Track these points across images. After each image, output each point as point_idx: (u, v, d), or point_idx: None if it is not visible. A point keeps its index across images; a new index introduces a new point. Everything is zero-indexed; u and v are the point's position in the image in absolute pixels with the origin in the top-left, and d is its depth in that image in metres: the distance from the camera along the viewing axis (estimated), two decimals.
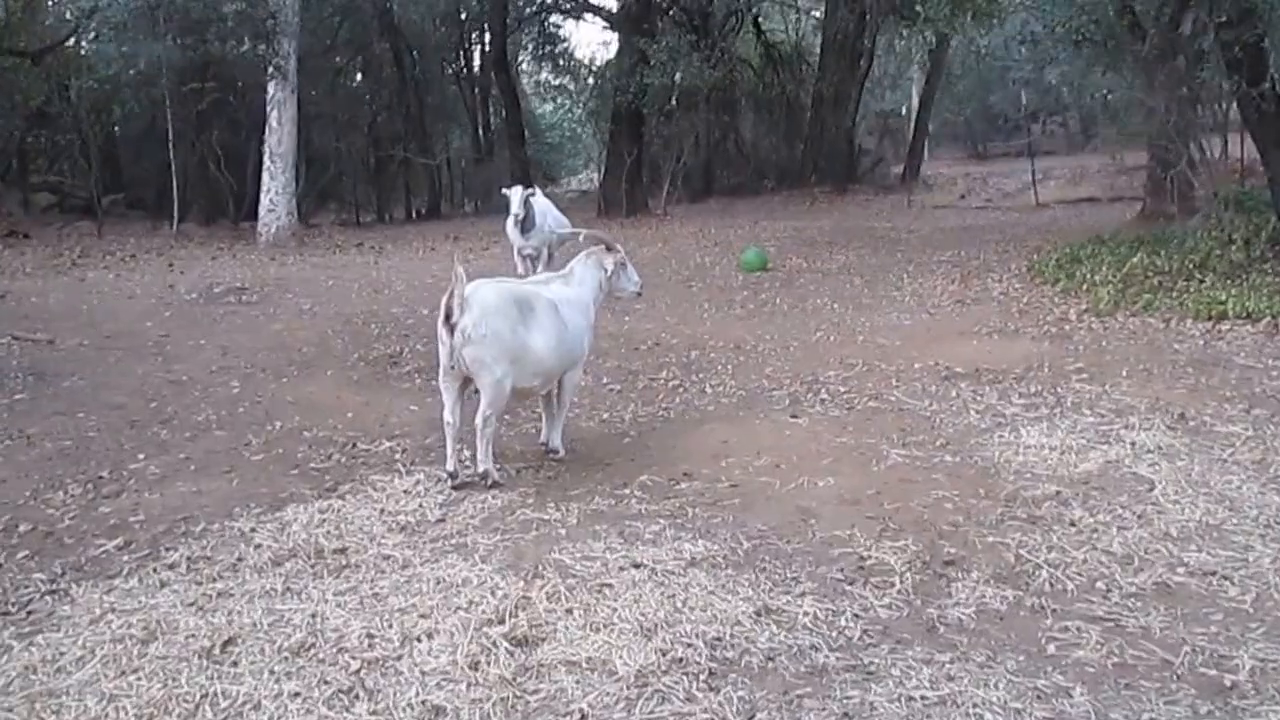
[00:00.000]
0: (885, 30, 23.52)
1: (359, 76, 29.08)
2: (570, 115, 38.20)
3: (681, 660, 3.73)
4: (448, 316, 5.49)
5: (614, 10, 19.89)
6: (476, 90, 30.13)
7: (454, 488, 5.67)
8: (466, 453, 5.90)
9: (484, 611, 4.08)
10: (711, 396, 7.58)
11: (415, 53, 27.61)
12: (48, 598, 4.41)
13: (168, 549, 4.87)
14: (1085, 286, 10.20)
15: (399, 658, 3.78)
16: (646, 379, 7.97)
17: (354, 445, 6.53)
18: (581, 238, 6.78)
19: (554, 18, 29.70)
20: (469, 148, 31.46)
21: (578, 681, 3.61)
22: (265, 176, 15.88)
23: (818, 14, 25.57)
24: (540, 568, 4.51)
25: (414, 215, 28.48)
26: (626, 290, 6.56)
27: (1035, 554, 4.66)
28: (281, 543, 4.94)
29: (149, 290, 11.77)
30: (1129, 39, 13.28)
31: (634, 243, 16.04)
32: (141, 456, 6.27)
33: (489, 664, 3.71)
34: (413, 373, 8.43)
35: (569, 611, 4.11)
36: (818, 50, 26.94)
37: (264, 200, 16.02)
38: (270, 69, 15.47)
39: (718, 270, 13.43)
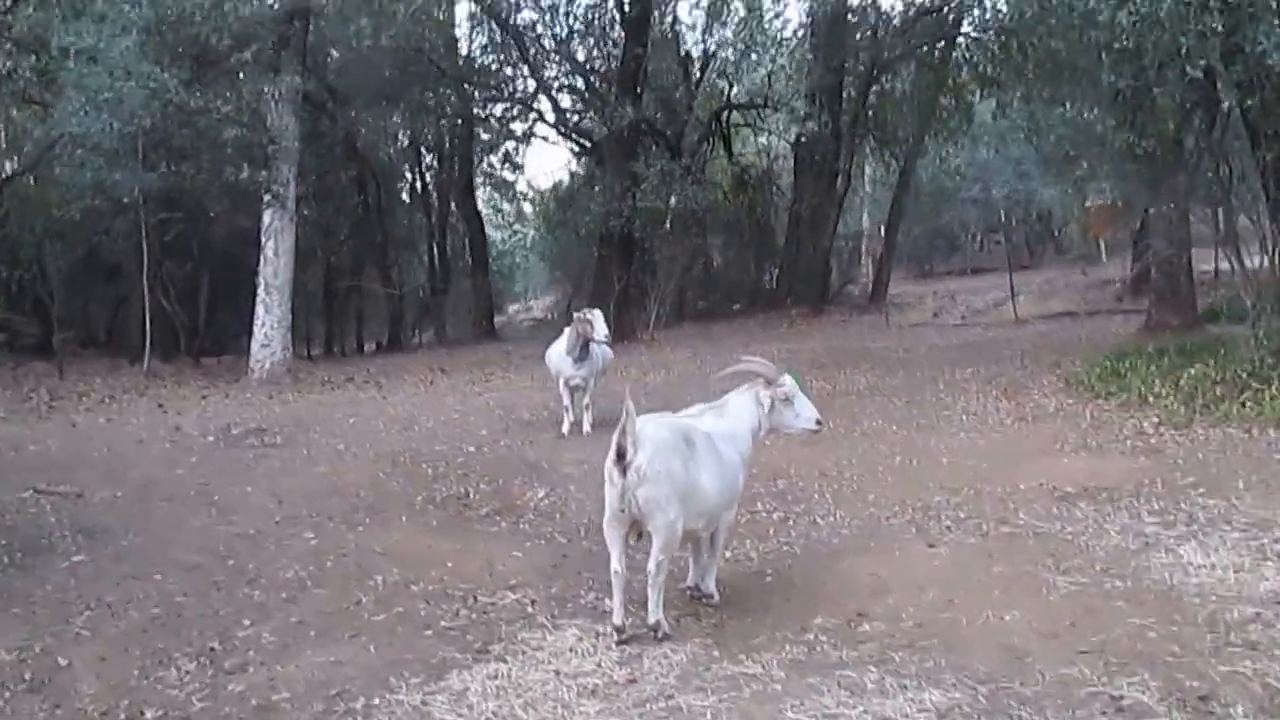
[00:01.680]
0: (859, 151, 23.99)
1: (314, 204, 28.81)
2: (521, 242, 38.36)
3: None
4: (620, 455, 5.09)
5: (596, 135, 19.72)
6: (434, 218, 29.95)
7: (620, 643, 5.21)
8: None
9: None
10: (828, 528, 7.23)
11: (379, 179, 27.42)
12: None
13: None
14: (1144, 399, 10.06)
15: None
16: (746, 512, 7.57)
17: (474, 599, 6.06)
18: (738, 367, 6.31)
19: (510, 144, 29.81)
20: (424, 277, 31.20)
21: None
22: (260, 309, 15.35)
23: (789, 138, 25.90)
24: None
25: (361, 348, 28.00)
26: (794, 427, 6.07)
27: None
28: (470, 717, 4.44)
29: (154, 434, 11.17)
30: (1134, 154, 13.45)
31: (636, 369, 15.81)
32: (247, 622, 5.72)
33: None
34: (492, 515, 7.99)
35: None
36: (788, 172, 27.30)
37: (258, 334, 15.46)
38: (268, 196, 15.06)
39: None
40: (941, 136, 25.50)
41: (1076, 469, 8.17)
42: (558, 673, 4.91)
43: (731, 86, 26.18)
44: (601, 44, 23.86)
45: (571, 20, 23.36)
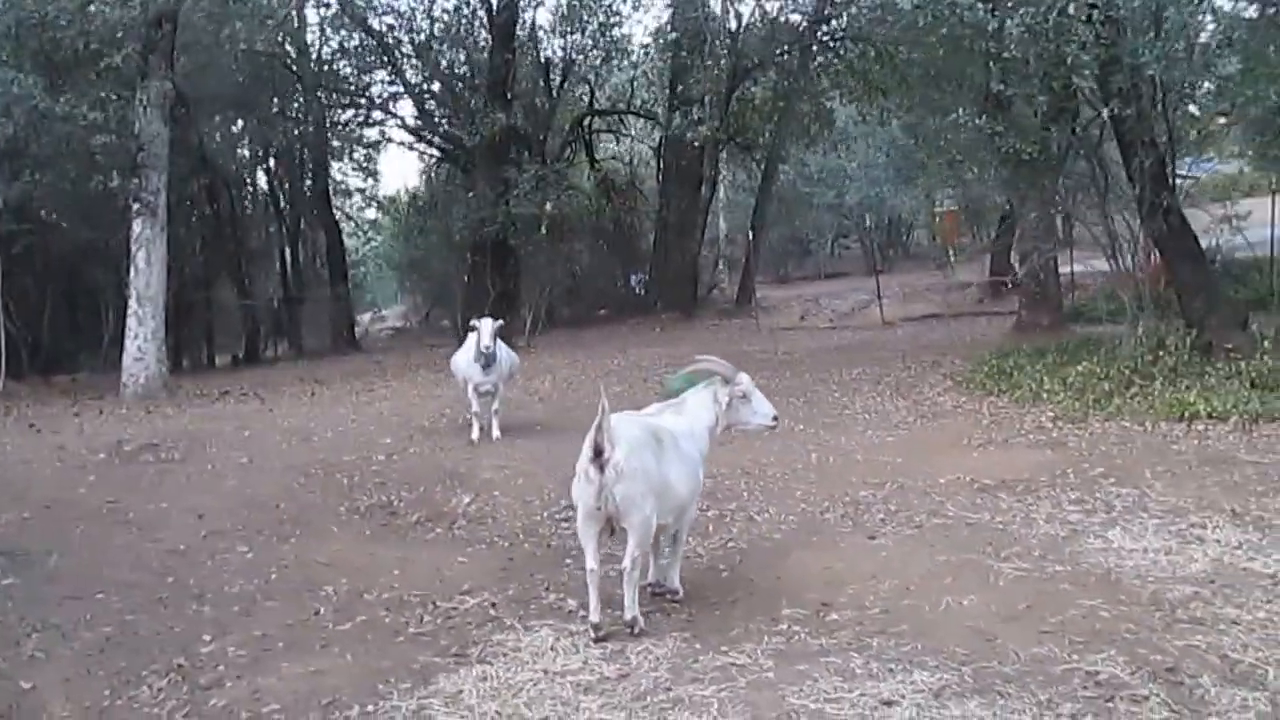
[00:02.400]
0: (723, 157, 24.45)
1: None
2: (375, 251, 37.87)
3: None
4: (598, 453, 5.17)
5: (468, 141, 19.59)
6: (287, 227, 29.31)
7: (598, 640, 5.29)
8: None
9: None
10: (767, 524, 7.43)
11: (230, 188, 26.73)
12: None
13: None
14: (1037, 395, 10.58)
15: None
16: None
17: (433, 604, 6.07)
18: (696, 366, 6.45)
19: (364, 151, 29.41)
20: (279, 288, 30.51)
21: None
22: (132, 322, 14.78)
23: (651, 143, 26.22)
24: (806, 716, 4.23)
25: (212, 361, 27.22)
26: (750, 424, 6.21)
27: (1238, 654, 4.70)
28: (472, 718, 4.48)
29: (38, 454, 10.70)
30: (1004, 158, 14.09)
31: (522, 376, 15.78)
32: (207, 638, 5.61)
33: None
34: (423, 522, 7.97)
35: None
36: (650, 178, 27.60)
37: (130, 348, 14.87)
38: (138, 205, 14.53)
39: (646, 400, 13.25)
40: (803, 143, 26.21)
41: (989, 462, 8.55)
42: (545, 672, 4.96)
43: (593, 93, 26.35)
44: (463, 49, 23.72)
45: (432, 24, 23.16)
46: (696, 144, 23.49)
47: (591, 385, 14.42)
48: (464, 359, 10.73)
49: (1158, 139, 10.96)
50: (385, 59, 22.90)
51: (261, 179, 29.02)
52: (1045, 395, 10.50)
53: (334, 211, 29.16)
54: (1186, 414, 9.23)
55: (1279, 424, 8.89)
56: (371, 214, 35.87)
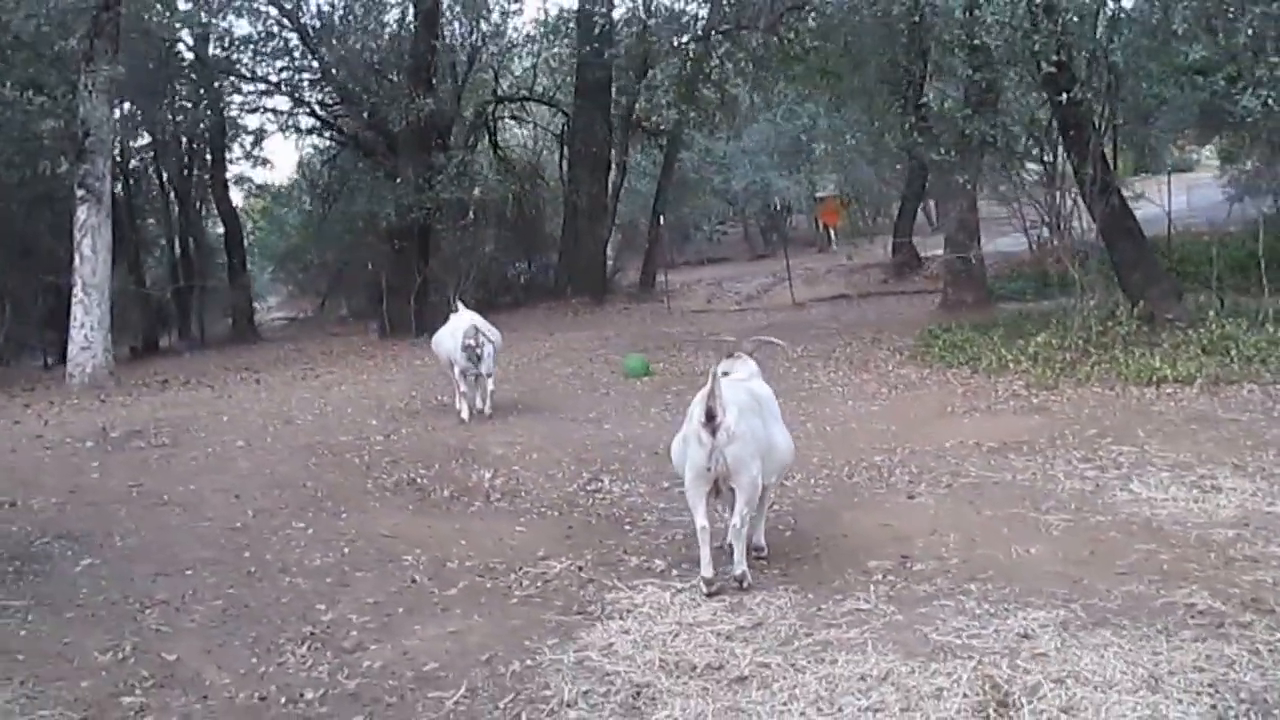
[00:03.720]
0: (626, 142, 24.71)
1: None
2: (264, 238, 37.04)
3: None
4: (710, 417, 5.45)
5: (394, 125, 19.42)
6: (185, 214, 28.54)
7: (709, 594, 5.58)
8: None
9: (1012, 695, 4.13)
10: (803, 489, 7.77)
11: (126, 174, 25.91)
12: None
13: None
14: (1003, 366, 11.15)
15: None
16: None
17: (522, 570, 6.25)
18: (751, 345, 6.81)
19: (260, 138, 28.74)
20: (176, 276, 29.67)
21: None
22: (78, 310, 14.38)
23: (554, 130, 26.33)
24: (958, 650, 4.60)
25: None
26: None
27: None
28: (641, 662, 4.73)
29: (18, 444, 10.48)
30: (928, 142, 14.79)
31: None
32: (321, 607, 5.72)
33: None
34: (456, 497, 8.12)
35: (1060, 680, 4.23)
36: (553, 164, 27.71)
37: (76, 337, 14.47)
38: (83, 191, 14.14)
39: (601, 379, 13.54)
40: (706, 129, 26.66)
41: (984, 427, 9.07)
42: (680, 624, 5.22)
43: (497, 79, 26.36)
44: (375, 34, 23.46)
45: (348, 8, 22.89)
46: (604, 130, 23.76)
47: (539, 368, 14.65)
48: (450, 341, 10.81)
49: (1109, 123, 11.66)
50: (299, 42, 22.48)
51: (158, 166, 27.99)
52: (1011, 365, 11.07)
53: (232, 199, 28.51)
54: (1154, 379, 9.89)
55: (1239, 385, 9.59)
56: (258, 202, 35.12)
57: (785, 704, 4.26)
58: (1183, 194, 21.20)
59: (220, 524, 7.30)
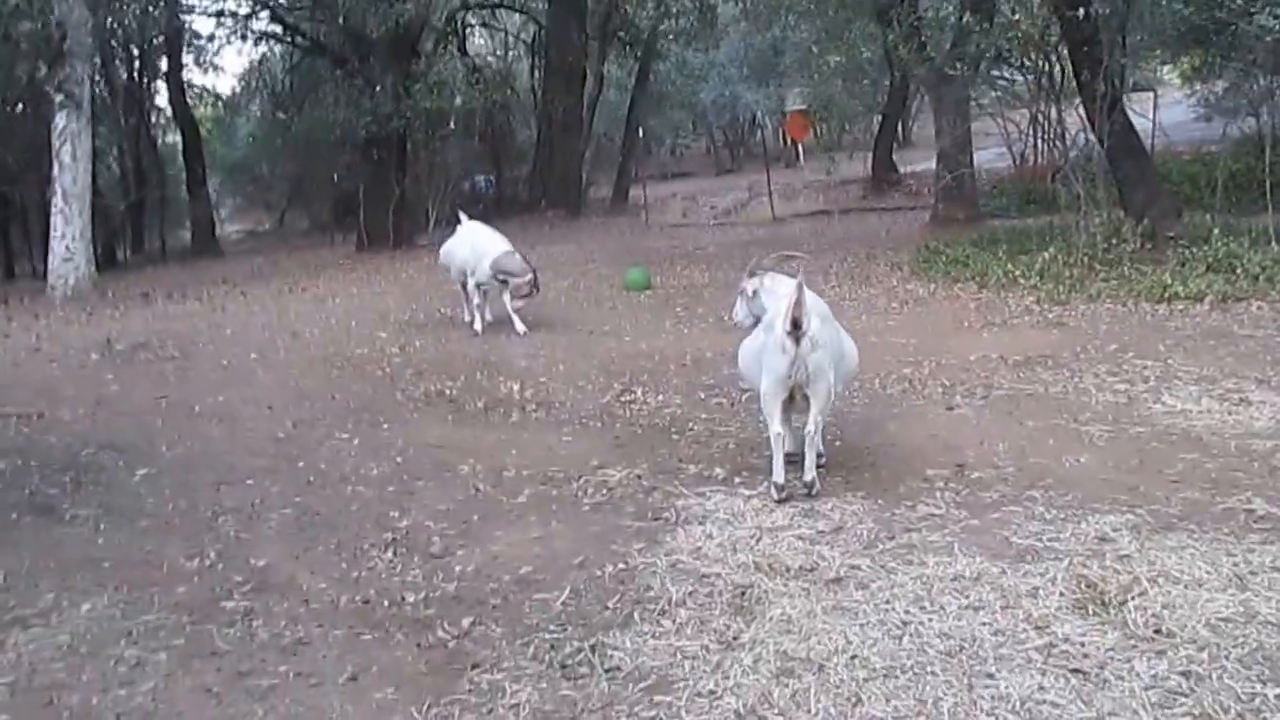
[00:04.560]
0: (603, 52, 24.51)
1: None
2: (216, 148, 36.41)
3: None
4: (796, 325, 5.59)
5: (374, 31, 19.00)
6: (145, 123, 28.03)
7: (779, 500, 5.77)
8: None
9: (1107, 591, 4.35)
10: (841, 400, 7.86)
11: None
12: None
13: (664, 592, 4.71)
14: (1013, 282, 11.38)
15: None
16: (742, 392, 8.08)
17: (581, 479, 6.38)
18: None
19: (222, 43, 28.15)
20: (118, 188, 29.20)
21: None
22: (58, 220, 14.17)
23: (525, 37, 26.02)
24: (1042, 552, 4.82)
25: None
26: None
27: None
28: (733, 562, 4.91)
29: (18, 357, 10.46)
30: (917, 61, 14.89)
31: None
32: (394, 514, 5.85)
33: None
34: (492, 408, 8.22)
35: (1153, 580, 4.45)
36: (524, 74, 27.43)
37: (57, 248, 14.28)
38: (61, 97, 13.86)
39: (602, 292, 13.64)
40: (683, 39, 26.51)
41: (1005, 341, 9.29)
42: (760, 529, 5.39)
43: None
44: None
45: None
46: (580, 40, 23.55)
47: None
48: (465, 253, 10.82)
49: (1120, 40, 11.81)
50: None
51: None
52: (1020, 281, 11.30)
53: (188, 107, 27.94)
54: (1166, 295, 10.16)
55: (1247, 302, 9.88)
56: (210, 110, 34.49)
57: (887, 603, 4.45)
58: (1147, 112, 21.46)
59: (263, 435, 7.37)
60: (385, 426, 7.61)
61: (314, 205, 30.69)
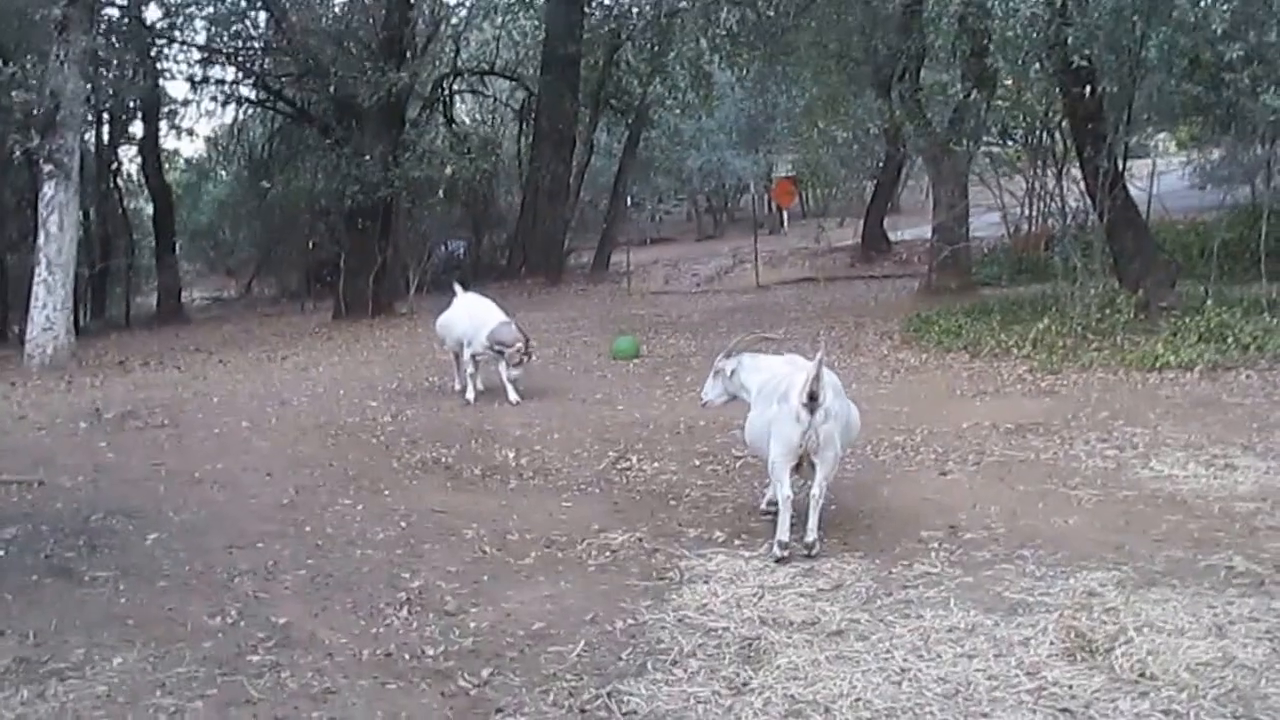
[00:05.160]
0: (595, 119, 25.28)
1: None
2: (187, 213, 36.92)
3: None
4: (813, 398, 6.20)
5: (364, 100, 19.59)
6: (118, 190, 28.60)
7: (779, 560, 6.29)
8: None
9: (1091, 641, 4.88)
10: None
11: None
12: None
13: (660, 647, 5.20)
14: (1006, 351, 11.99)
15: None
16: (750, 456, 8.57)
17: (585, 542, 6.85)
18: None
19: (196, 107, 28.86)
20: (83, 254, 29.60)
21: None
22: (40, 290, 14.67)
23: (514, 104, 26.81)
24: (1033, 606, 5.35)
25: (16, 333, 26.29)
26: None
27: None
28: (738, 618, 5.41)
29: (2, 424, 10.89)
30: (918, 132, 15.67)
31: (433, 341, 16.35)
32: (406, 575, 6.31)
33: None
34: (488, 476, 8.68)
35: (1138, 629, 4.98)
36: (510, 140, 28.18)
37: (37, 318, 14.76)
38: (50, 167, 14.43)
39: (590, 360, 14.17)
40: (678, 107, 27.34)
41: (996, 409, 9.86)
42: (763, 587, 5.90)
43: (458, 51, 26.78)
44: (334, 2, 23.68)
45: None
46: (570, 107, 24.33)
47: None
48: (460, 324, 11.34)
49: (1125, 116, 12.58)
50: (262, 7, 22.59)
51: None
52: (1013, 350, 11.91)
53: (162, 174, 28.57)
54: (1157, 364, 10.77)
55: (1237, 371, 10.50)
56: (183, 176, 35.10)
57: (887, 652, 4.95)
58: (1142, 180, 22.35)
59: (267, 501, 7.84)
60: (386, 493, 8.08)
61: (284, 272, 31.19)
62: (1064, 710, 4.35)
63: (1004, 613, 5.31)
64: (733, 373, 7.47)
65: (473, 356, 11.28)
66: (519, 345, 10.92)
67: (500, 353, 10.97)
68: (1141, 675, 4.57)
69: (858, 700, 4.49)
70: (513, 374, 11.04)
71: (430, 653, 5.23)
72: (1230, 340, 11.08)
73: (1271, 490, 7.17)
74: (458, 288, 12.37)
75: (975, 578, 5.85)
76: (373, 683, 4.91)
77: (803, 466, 6.45)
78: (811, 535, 6.38)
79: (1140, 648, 4.78)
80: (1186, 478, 7.58)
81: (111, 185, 28.69)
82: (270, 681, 4.91)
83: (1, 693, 4.75)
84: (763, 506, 7.19)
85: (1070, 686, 4.52)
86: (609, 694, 4.70)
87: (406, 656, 5.20)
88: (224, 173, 34.87)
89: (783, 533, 6.34)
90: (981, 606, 5.41)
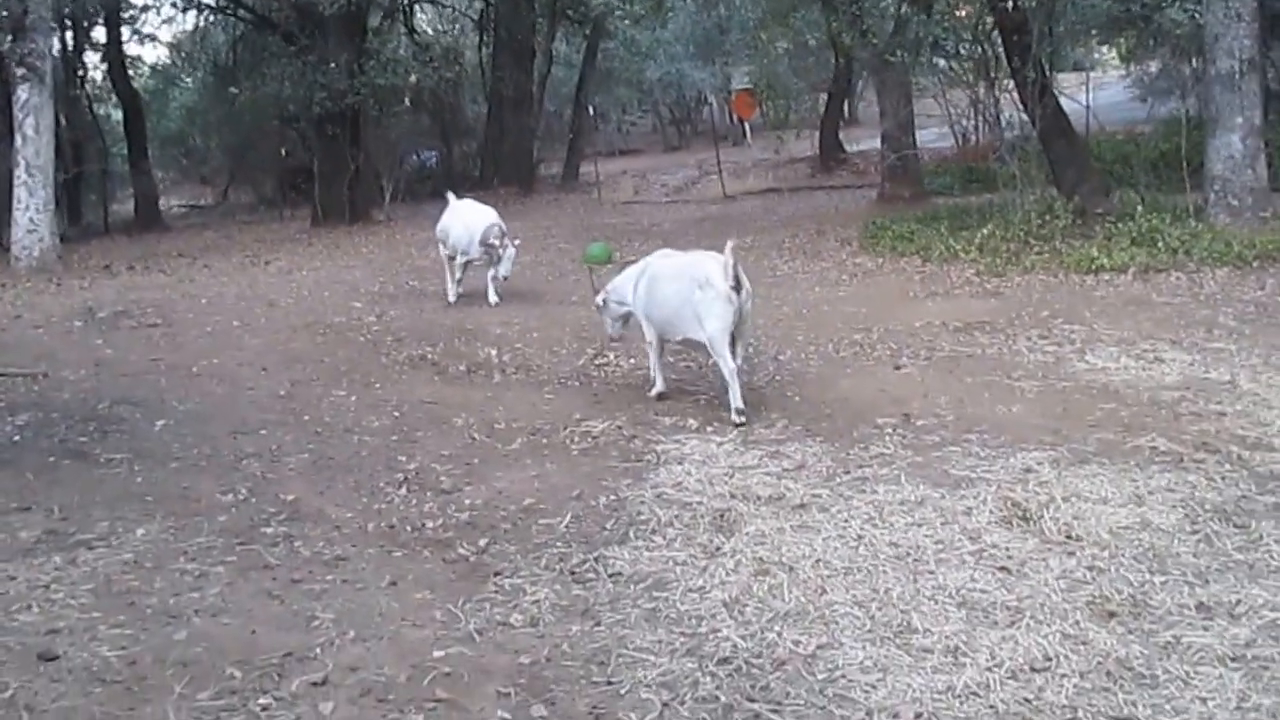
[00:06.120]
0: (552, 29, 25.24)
1: None
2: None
3: None
4: (738, 283, 6.92)
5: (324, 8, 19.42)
6: (87, 95, 28.21)
7: (738, 425, 6.93)
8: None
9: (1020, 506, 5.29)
10: (796, 361, 8.82)
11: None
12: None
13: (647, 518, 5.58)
14: (954, 255, 12.36)
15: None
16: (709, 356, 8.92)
17: (568, 429, 7.17)
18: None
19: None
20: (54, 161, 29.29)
21: None
22: (21, 193, 14.66)
23: (472, 14, 26.64)
24: (975, 481, 5.76)
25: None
26: None
27: (1244, 431, 6.44)
28: (711, 493, 5.79)
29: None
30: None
31: (410, 247, 16.59)
32: (402, 458, 6.63)
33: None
34: (472, 371, 8.97)
35: (1066, 499, 5.39)
36: (471, 49, 28.04)
37: (20, 220, 14.78)
38: (22, 71, 14.37)
39: (565, 266, 14.42)
40: (631, 17, 27.26)
41: (946, 309, 10.23)
42: (733, 468, 6.25)
43: None
44: None
45: None
46: (528, 16, 24.27)
47: None
48: (460, 231, 11.49)
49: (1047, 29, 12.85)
50: None
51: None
52: (961, 255, 12.28)
53: (128, 79, 28.19)
54: (1093, 267, 11.17)
55: (1167, 273, 10.92)
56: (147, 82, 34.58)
57: (845, 521, 5.35)
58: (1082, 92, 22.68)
59: (265, 392, 8.12)
60: (377, 386, 8.38)
61: (258, 180, 30.99)
62: (1001, 568, 4.74)
63: (949, 487, 5.71)
64: (605, 302, 8.19)
65: (466, 263, 11.45)
66: (493, 239, 11.09)
67: (489, 254, 11.17)
68: (1068, 537, 4.99)
69: (819, 561, 4.87)
70: (504, 271, 11.22)
71: (430, 525, 5.57)
72: (1160, 244, 11.48)
73: (1194, 380, 7.57)
74: (450, 196, 12.46)
75: (925, 458, 6.24)
76: (379, 551, 5.25)
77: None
78: (739, 401, 7.07)
79: (1068, 514, 5.19)
80: (1118, 370, 7.98)
81: (80, 91, 28.21)
82: (285, 550, 5.25)
83: (36, 560, 5.05)
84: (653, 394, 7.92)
85: (1007, 548, 4.92)
86: (596, 558, 5.07)
87: (408, 529, 5.54)
88: (189, 80, 34.45)
89: (738, 399, 7.02)
90: (930, 482, 5.81)
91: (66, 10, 25.86)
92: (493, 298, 11.41)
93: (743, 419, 6.91)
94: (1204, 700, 3.66)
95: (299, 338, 9.99)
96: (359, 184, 20.78)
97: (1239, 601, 4.31)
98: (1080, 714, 3.61)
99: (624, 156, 38.26)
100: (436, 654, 4.13)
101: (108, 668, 3.99)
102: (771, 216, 18.61)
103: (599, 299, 8.31)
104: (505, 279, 11.44)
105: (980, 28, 13.71)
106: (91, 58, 29.36)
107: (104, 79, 30.70)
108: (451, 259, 11.74)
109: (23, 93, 14.58)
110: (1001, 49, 14.05)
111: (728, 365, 7.02)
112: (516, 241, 11.43)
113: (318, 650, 4.14)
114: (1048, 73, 13.27)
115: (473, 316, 10.88)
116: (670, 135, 43.42)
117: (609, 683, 3.94)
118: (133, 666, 4.00)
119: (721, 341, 7.05)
